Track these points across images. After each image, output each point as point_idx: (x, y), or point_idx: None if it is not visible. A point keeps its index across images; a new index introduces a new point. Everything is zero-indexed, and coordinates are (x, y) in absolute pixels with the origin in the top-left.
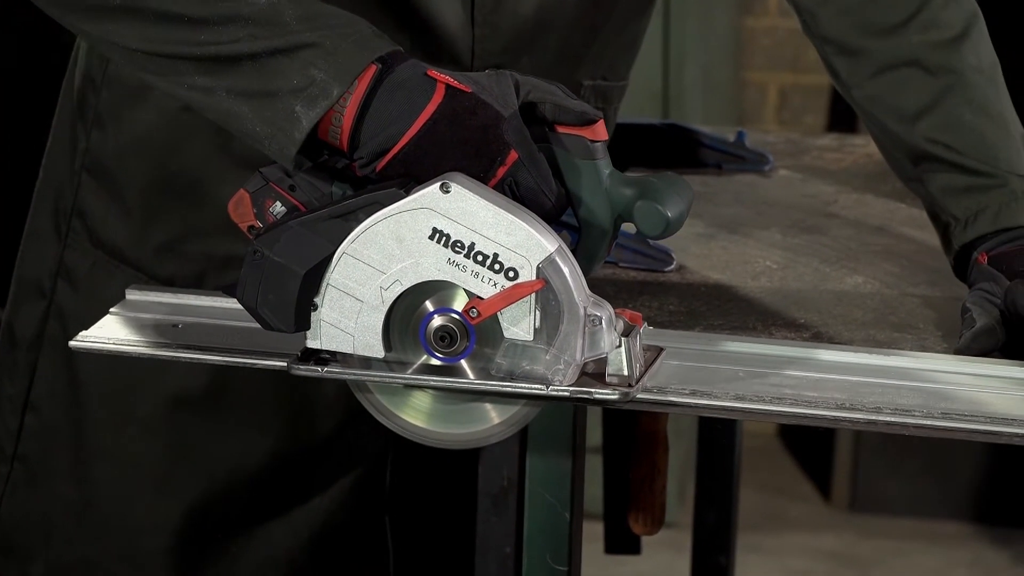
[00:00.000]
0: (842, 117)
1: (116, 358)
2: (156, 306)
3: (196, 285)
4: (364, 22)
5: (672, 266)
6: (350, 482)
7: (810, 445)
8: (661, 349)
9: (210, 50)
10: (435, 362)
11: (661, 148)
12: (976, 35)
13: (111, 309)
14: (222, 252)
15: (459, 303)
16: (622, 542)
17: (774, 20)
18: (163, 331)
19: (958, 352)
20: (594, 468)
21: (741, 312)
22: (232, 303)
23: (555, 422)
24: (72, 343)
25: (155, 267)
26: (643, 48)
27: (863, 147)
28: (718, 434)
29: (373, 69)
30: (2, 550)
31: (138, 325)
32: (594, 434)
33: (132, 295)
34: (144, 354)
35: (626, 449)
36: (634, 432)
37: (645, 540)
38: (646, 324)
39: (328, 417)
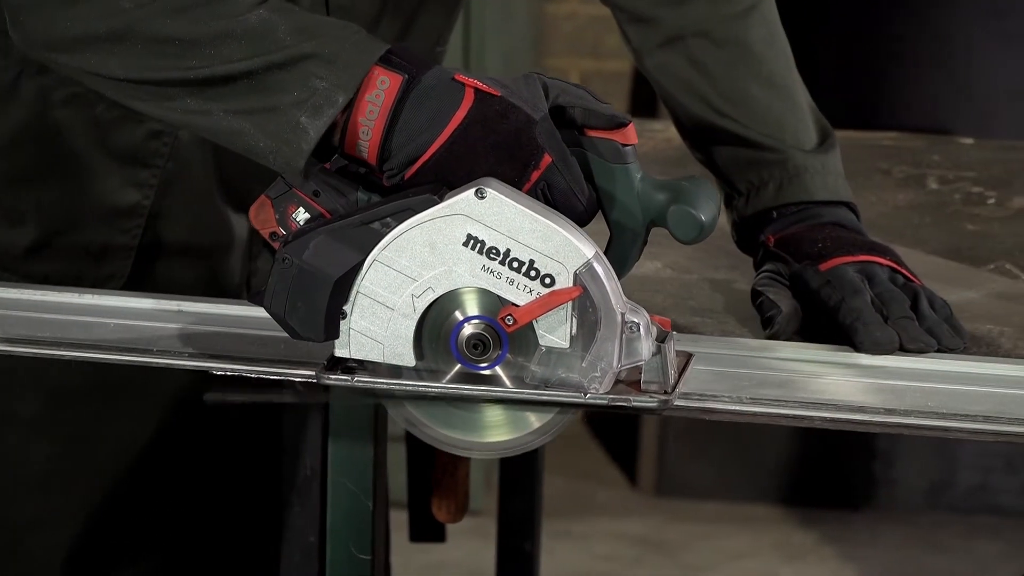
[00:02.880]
0: (643, 103)
1: None
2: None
3: (73, 281)
4: (356, 26)
5: None
6: (241, 474)
7: (616, 431)
8: (690, 355)
9: (203, 72)
10: (467, 371)
11: None
12: (765, 8)
13: None
14: (99, 244)
15: (485, 309)
16: (426, 530)
17: (574, 6)
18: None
19: (775, 337)
20: (398, 456)
21: None
22: (40, 295)
23: (356, 411)
24: None
25: (28, 266)
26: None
27: (663, 132)
28: None
29: (400, 80)
30: None
31: None
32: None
33: None
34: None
35: None
36: None
37: (451, 528)
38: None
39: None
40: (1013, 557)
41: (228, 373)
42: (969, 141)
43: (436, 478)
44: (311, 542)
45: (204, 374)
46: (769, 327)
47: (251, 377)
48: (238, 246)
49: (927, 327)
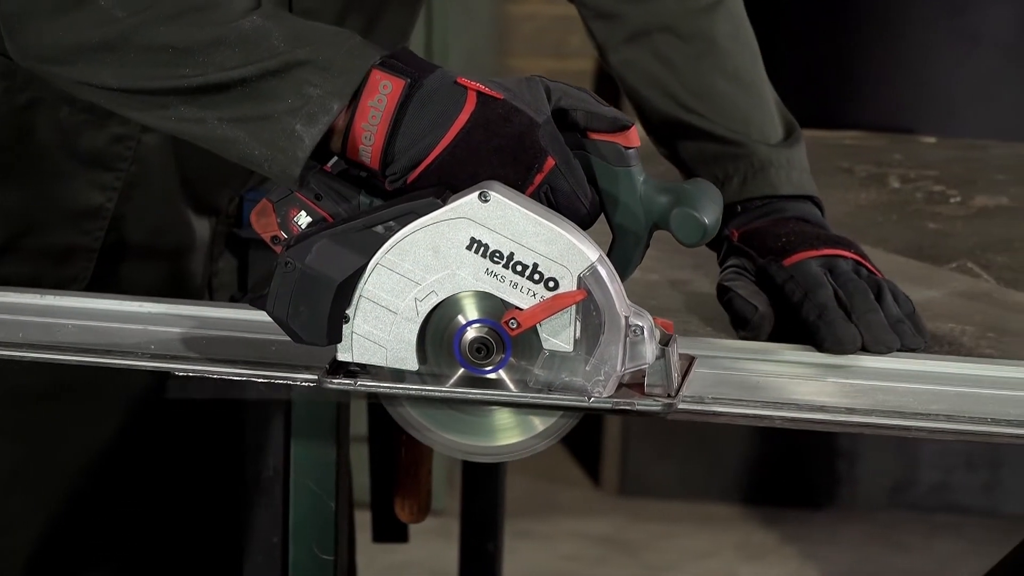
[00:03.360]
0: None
1: None
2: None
3: (33, 283)
4: (350, 32)
5: None
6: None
7: (579, 430)
8: (693, 357)
9: (196, 80)
10: (470, 375)
11: None
12: (731, 3)
13: None
14: (61, 246)
15: (489, 313)
16: (389, 530)
17: (536, 6)
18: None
19: (753, 338)
20: (360, 457)
21: None
22: (1, 296)
23: (319, 411)
24: None
25: None
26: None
27: None
28: None
29: (402, 84)
30: None
31: None
32: (360, 423)
33: None
34: None
35: (392, 437)
36: None
37: (413, 528)
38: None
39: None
40: (974, 556)
41: (227, 377)
42: (931, 140)
43: (398, 478)
44: (274, 543)
45: (166, 375)
46: (745, 328)
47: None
48: (200, 248)
49: (890, 323)
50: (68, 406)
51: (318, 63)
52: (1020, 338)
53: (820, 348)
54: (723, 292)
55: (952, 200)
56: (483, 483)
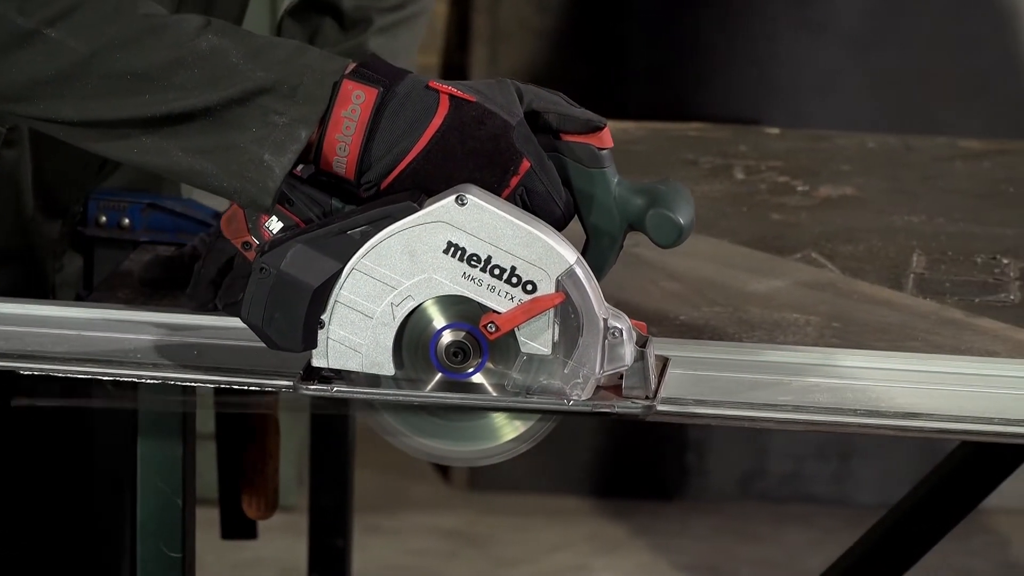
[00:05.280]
0: None
1: None
2: None
3: None
4: (308, 46)
5: None
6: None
7: None
8: (667, 359)
9: (160, 109)
10: (447, 379)
11: None
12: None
13: None
14: None
15: (466, 317)
16: (238, 527)
17: None
18: None
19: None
20: (208, 454)
21: None
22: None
23: (164, 410)
24: None
25: None
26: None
27: None
28: (332, 416)
29: (375, 93)
30: None
31: None
32: (207, 420)
33: None
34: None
35: (239, 433)
36: (246, 416)
37: (262, 524)
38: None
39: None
40: (824, 545)
41: (208, 384)
42: (775, 131)
43: (246, 475)
44: (122, 541)
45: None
46: None
47: (60, 378)
48: (48, 249)
49: None
50: None
51: (282, 90)
52: (865, 327)
53: None
54: None
55: (797, 191)
56: (332, 478)
